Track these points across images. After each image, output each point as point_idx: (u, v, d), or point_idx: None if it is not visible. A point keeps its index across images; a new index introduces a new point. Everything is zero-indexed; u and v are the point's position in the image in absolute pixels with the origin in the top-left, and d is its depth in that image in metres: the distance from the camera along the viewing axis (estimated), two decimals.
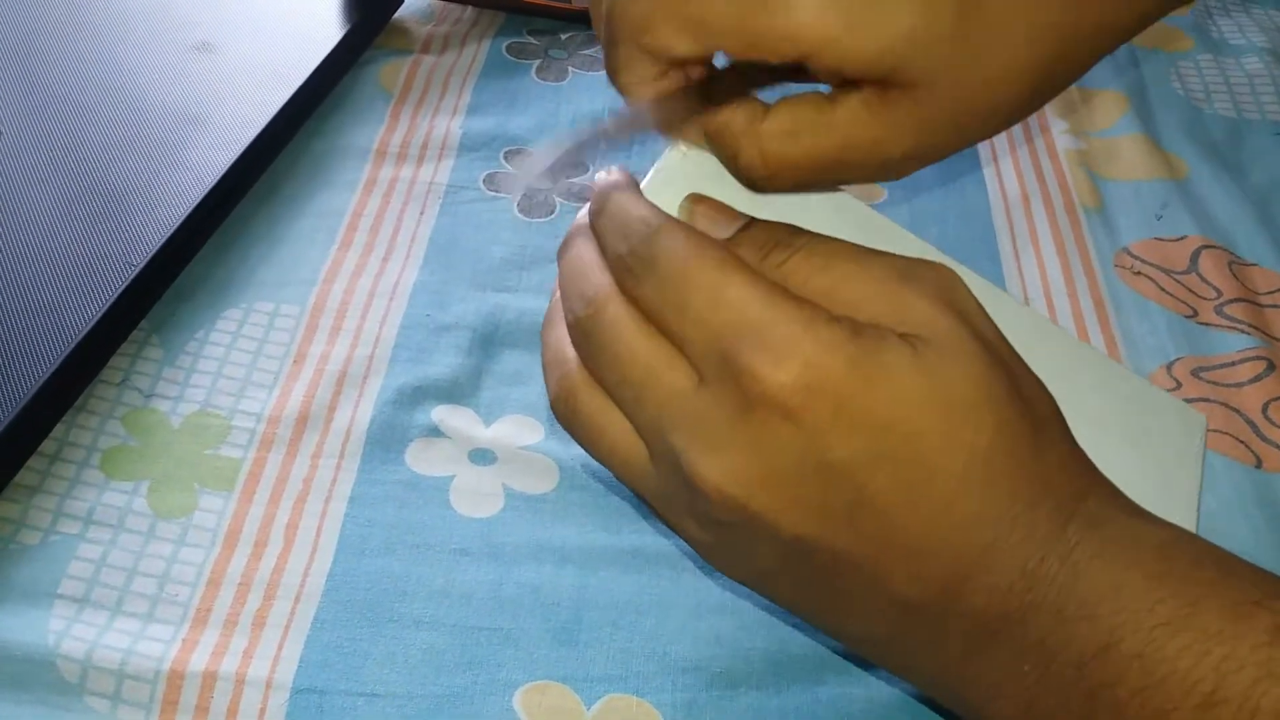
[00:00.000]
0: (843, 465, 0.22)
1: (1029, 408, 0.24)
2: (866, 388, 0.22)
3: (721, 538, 0.25)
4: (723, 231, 0.25)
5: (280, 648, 0.32)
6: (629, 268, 0.24)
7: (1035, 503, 0.23)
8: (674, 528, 0.26)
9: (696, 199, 0.27)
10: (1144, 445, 0.26)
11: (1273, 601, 0.22)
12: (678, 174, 0.27)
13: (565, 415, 0.26)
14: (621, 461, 0.26)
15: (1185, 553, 0.23)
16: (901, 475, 0.22)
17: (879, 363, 0.22)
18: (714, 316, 0.23)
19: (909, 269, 0.24)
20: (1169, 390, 0.41)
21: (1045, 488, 0.23)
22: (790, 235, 0.25)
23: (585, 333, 0.25)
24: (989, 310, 0.25)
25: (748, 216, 0.26)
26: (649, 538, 0.35)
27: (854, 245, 0.25)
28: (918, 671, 0.26)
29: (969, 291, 0.25)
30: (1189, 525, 0.26)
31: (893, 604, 0.24)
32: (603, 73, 0.54)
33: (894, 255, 0.25)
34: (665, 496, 0.25)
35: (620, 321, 0.24)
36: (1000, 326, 0.25)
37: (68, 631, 0.32)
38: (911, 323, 0.23)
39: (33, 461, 0.36)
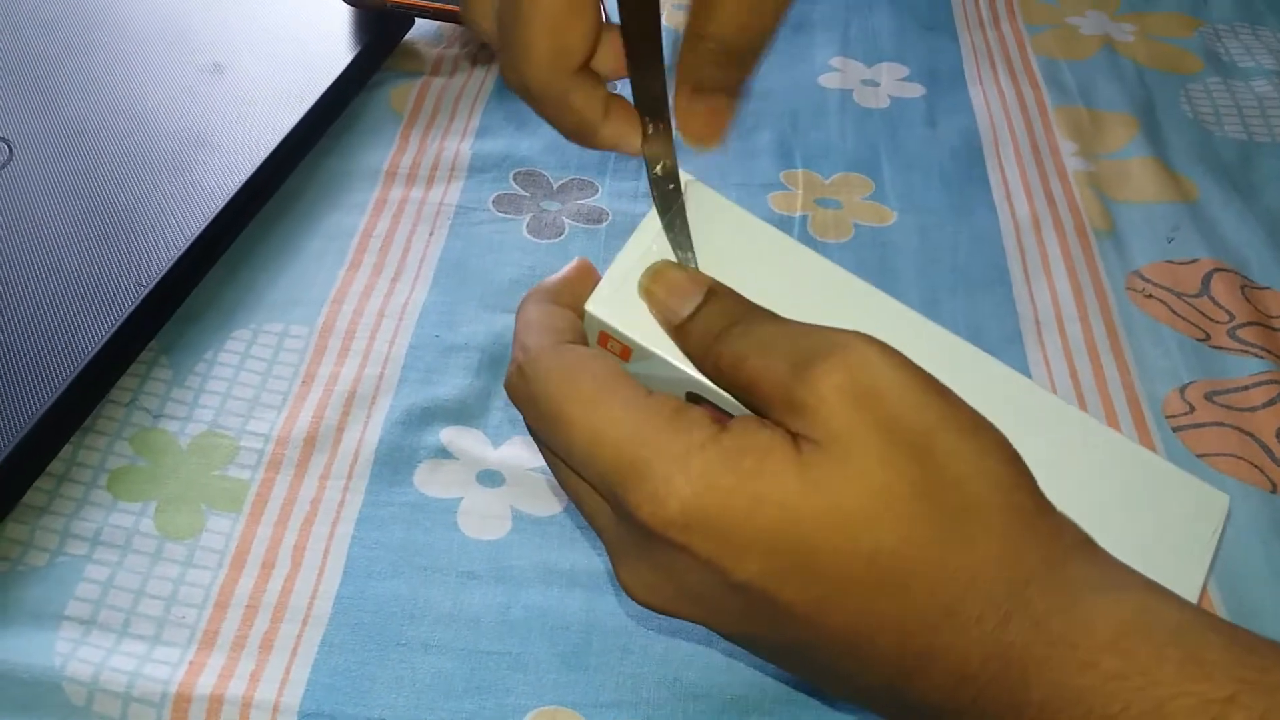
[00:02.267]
0: (749, 585, 0.22)
1: (949, 496, 0.22)
2: (751, 513, 0.22)
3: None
4: (685, 308, 0.25)
5: (287, 671, 0.32)
6: (522, 411, 0.25)
7: (960, 601, 0.21)
8: None
9: (661, 270, 0.26)
10: (1152, 527, 0.25)
11: (1249, 695, 0.20)
12: (647, 252, 0.27)
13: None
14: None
15: (1149, 641, 0.21)
16: (810, 589, 0.22)
17: (761, 486, 0.22)
18: (595, 459, 0.23)
19: (810, 355, 0.23)
20: (1182, 413, 0.41)
21: (972, 583, 0.22)
22: (740, 313, 0.25)
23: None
24: (994, 394, 0.24)
25: (710, 283, 0.26)
26: None
27: (783, 326, 0.24)
28: None
29: (883, 367, 0.22)
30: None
31: (854, 687, 0.24)
32: None
33: (809, 334, 0.23)
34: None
35: (549, 456, 0.26)
36: (1005, 407, 0.24)
37: (74, 654, 0.32)
38: (806, 422, 0.22)
39: (40, 482, 0.36)
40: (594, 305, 0.26)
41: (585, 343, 0.26)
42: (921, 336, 0.26)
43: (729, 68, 0.27)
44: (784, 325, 0.24)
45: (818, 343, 0.23)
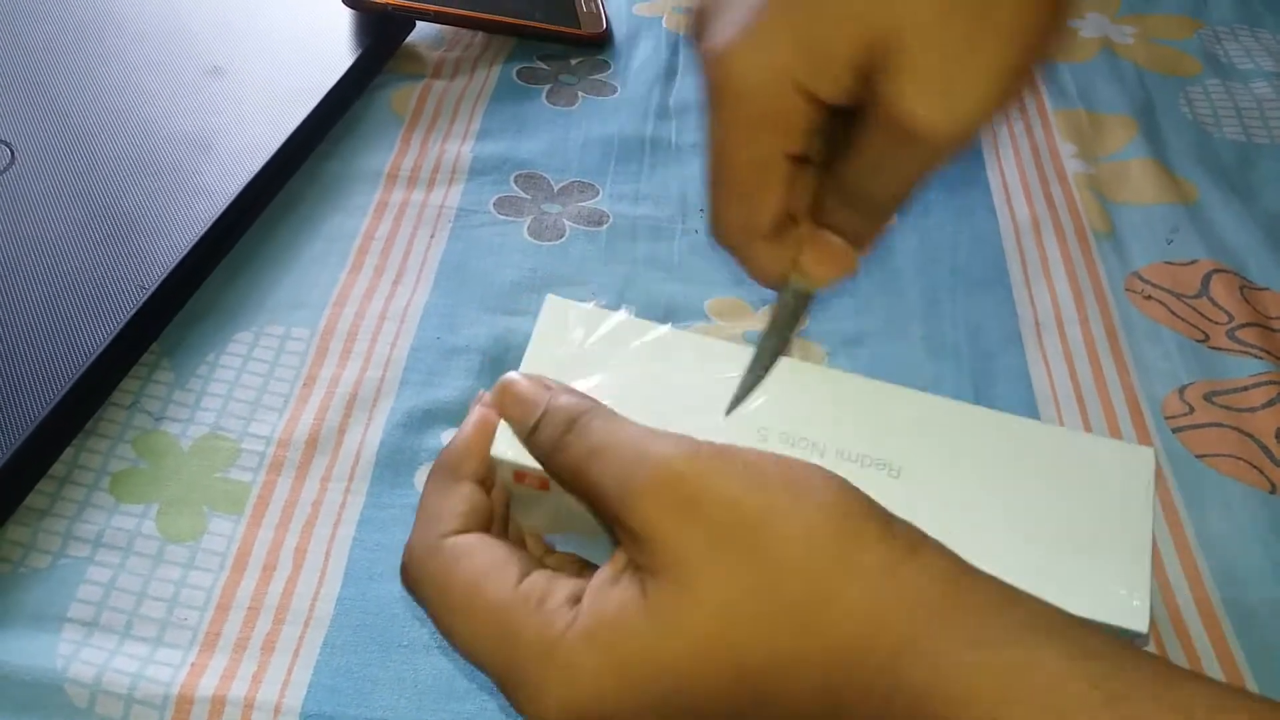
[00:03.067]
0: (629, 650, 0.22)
1: (789, 587, 0.22)
2: (621, 682, 0.22)
3: None
4: (530, 417, 0.25)
5: (289, 672, 0.32)
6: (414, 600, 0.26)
7: (839, 692, 0.21)
8: None
9: (506, 382, 0.26)
10: (1091, 498, 0.26)
11: None
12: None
13: None
14: None
15: (1023, 706, 0.20)
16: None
17: (622, 654, 0.22)
18: (478, 664, 0.24)
19: (631, 474, 0.23)
20: (1182, 414, 0.41)
21: (845, 669, 0.21)
22: (576, 414, 0.25)
23: None
24: (884, 409, 0.26)
25: (554, 388, 0.26)
26: None
27: (614, 431, 0.24)
28: None
29: (696, 472, 0.22)
30: (1144, 564, 0.25)
31: None
32: (612, 97, 0.55)
33: (636, 442, 0.23)
34: None
35: None
36: (905, 419, 0.26)
37: (76, 655, 0.32)
38: (642, 551, 0.23)
39: (43, 484, 0.36)
40: (497, 449, 0.26)
41: (483, 513, 0.26)
42: (827, 384, 0.27)
43: (860, 218, 0.26)
44: (615, 428, 0.24)
45: (638, 456, 0.23)
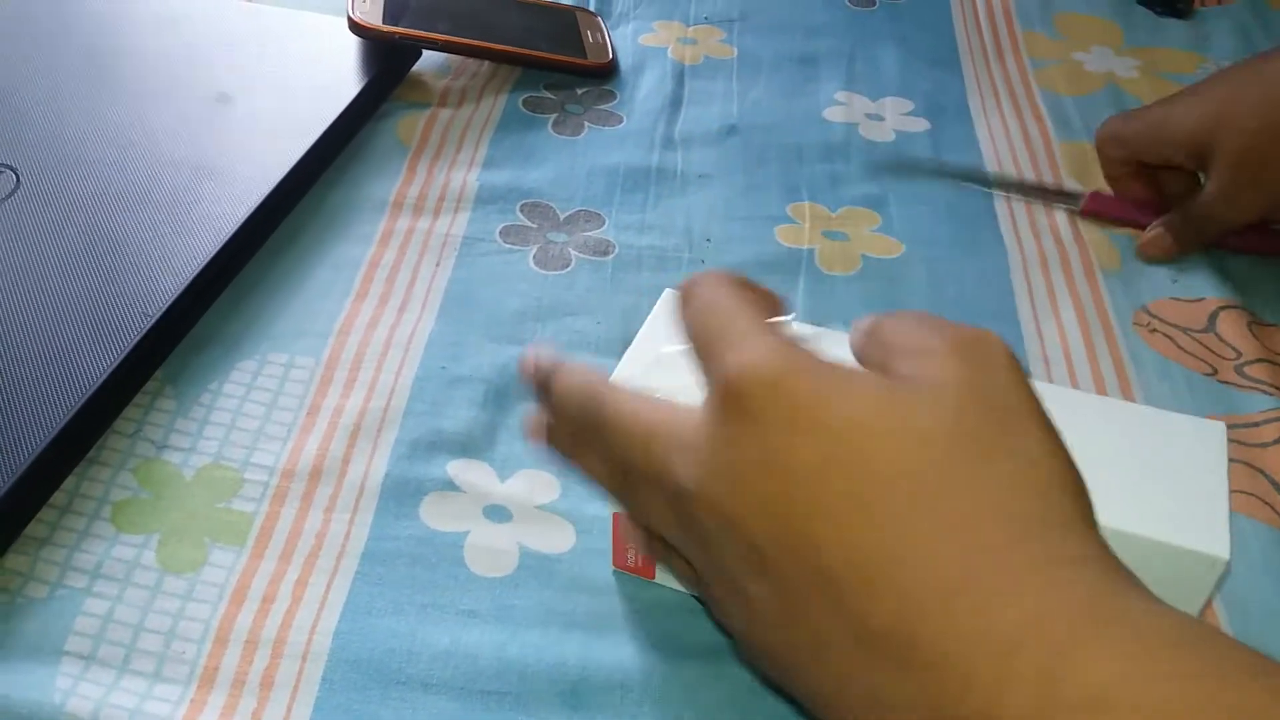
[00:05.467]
0: (800, 468, 0.23)
1: (1010, 465, 0.23)
2: (822, 397, 0.23)
3: (710, 560, 0.26)
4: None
5: (289, 709, 0.31)
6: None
7: (1002, 557, 0.21)
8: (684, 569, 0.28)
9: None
10: (1168, 468, 0.27)
11: None
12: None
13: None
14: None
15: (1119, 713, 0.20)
16: (852, 487, 0.23)
17: (839, 379, 0.24)
18: (705, 320, 0.27)
19: (949, 328, 0.25)
20: None
21: (1021, 542, 0.22)
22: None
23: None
24: None
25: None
26: (664, 592, 0.35)
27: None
28: None
29: (1007, 362, 0.25)
30: (1223, 532, 0.26)
31: (858, 639, 0.22)
32: (618, 127, 0.55)
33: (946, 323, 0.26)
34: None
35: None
36: None
37: (74, 689, 0.31)
38: (914, 363, 0.24)
39: (43, 513, 0.36)
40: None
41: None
42: None
43: (1194, 233, 0.48)
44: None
45: (962, 327, 0.26)
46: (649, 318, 0.31)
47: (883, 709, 0.22)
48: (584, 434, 0.29)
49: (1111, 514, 0.24)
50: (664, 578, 0.34)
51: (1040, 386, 0.28)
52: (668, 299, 0.32)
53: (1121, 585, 0.22)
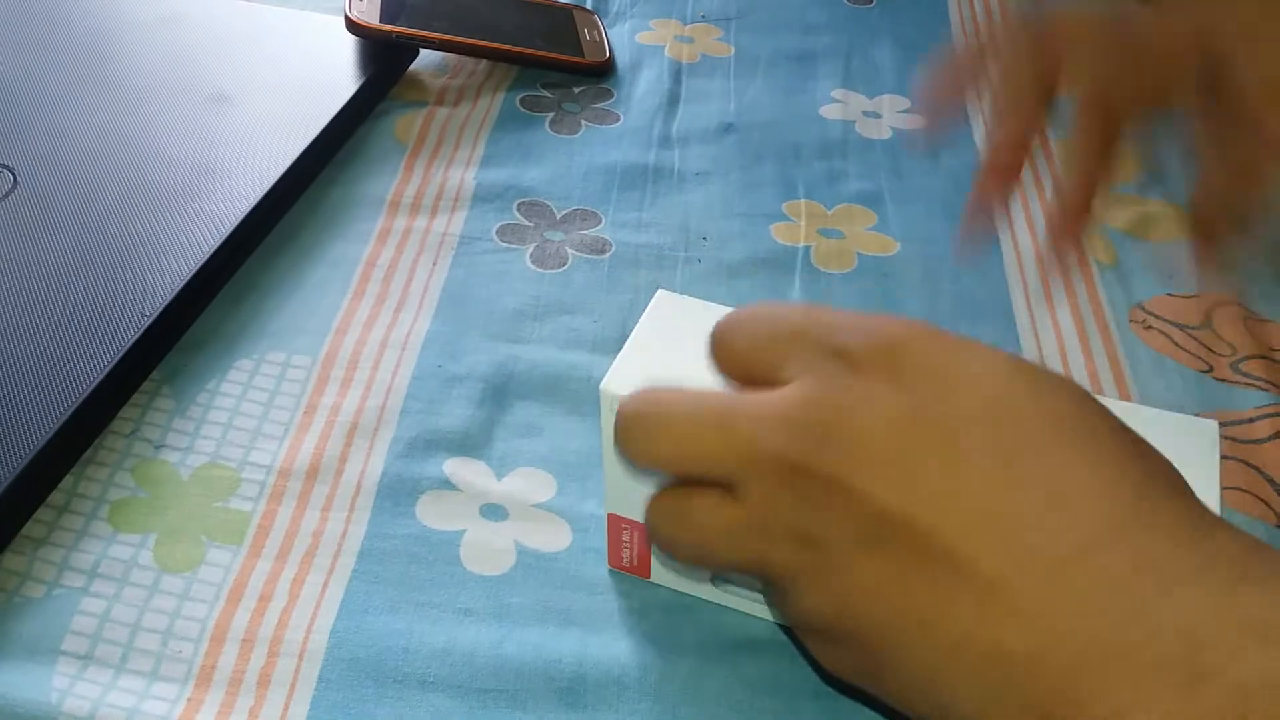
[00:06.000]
0: (934, 420, 0.23)
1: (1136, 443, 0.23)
2: (954, 356, 0.24)
3: (814, 538, 0.24)
4: None
5: (286, 708, 0.31)
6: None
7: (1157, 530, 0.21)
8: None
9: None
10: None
11: None
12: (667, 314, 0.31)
13: None
14: None
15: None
16: (991, 436, 0.22)
17: (962, 342, 0.24)
18: (782, 324, 0.26)
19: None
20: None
21: (1178, 523, 0.21)
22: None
23: None
24: None
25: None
26: (661, 591, 0.35)
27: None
28: None
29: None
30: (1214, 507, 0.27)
31: (979, 597, 0.22)
32: (615, 125, 0.55)
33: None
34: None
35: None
36: None
37: (71, 689, 0.31)
38: None
39: (40, 513, 0.36)
40: (610, 384, 0.29)
41: None
42: None
43: (1219, 221, 0.32)
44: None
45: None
46: (643, 317, 0.32)
47: (1009, 664, 0.21)
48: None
49: None
50: (660, 576, 0.35)
51: None
52: (661, 299, 0.32)
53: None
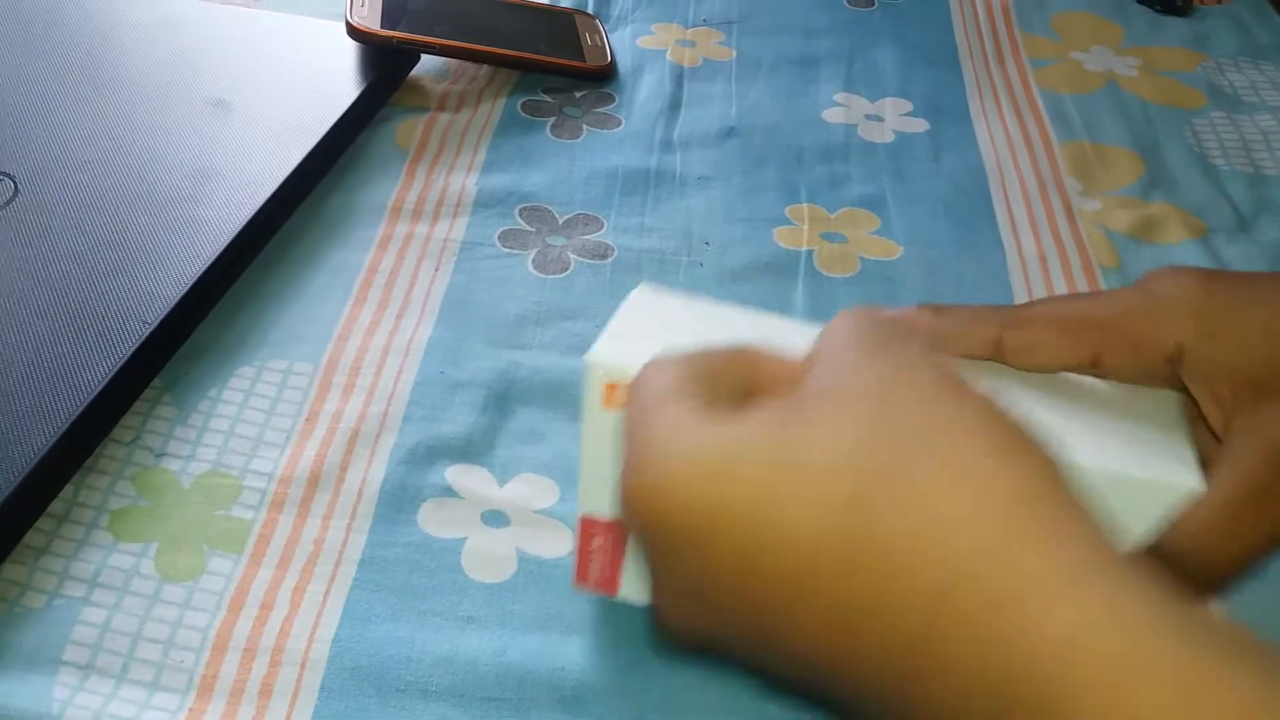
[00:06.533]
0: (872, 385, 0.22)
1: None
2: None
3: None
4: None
5: (288, 717, 0.31)
6: None
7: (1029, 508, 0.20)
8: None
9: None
10: (1131, 422, 0.28)
11: None
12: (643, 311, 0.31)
13: None
14: None
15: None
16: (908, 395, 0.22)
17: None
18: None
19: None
20: None
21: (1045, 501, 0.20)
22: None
23: None
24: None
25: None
26: None
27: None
28: None
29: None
30: (1193, 467, 0.27)
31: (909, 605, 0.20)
32: (616, 130, 0.54)
33: None
34: None
35: None
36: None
37: (72, 700, 0.31)
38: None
39: (41, 522, 0.36)
40: (595, 356, 0.28)
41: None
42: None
43: (1192, 578, 0.26)
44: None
45: None
46: (619, 311, 0.30)
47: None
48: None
49: (1088, 455, 0.26)
50: (628, 592, 0.32)
51: (989, 365, 0.30)
52: (639, 294, 0.31)
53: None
